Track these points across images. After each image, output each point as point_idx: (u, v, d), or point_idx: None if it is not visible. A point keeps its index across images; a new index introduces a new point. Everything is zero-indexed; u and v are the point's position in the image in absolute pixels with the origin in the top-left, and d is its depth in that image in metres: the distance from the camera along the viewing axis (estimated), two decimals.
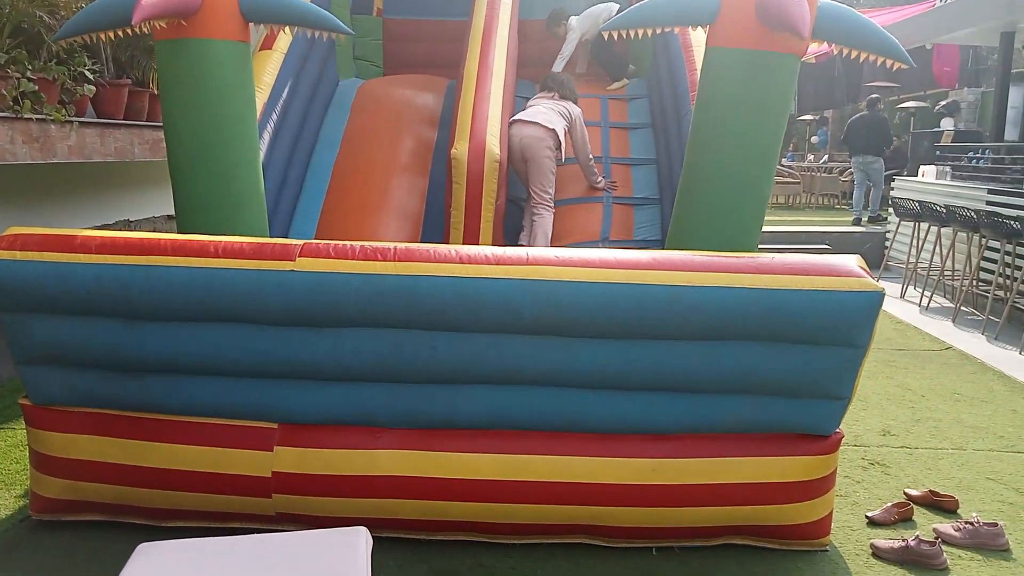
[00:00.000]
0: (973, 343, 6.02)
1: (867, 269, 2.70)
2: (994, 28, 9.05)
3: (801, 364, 2.64)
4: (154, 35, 3.31)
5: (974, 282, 6.94)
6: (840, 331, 2.60)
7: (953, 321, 6.70)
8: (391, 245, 2.59)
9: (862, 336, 2.63)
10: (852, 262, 2.70)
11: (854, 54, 3.26)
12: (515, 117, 4.88)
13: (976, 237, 6.76)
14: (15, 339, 2.65)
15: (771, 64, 3.22)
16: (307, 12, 3.42)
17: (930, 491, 3.34)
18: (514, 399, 2.68)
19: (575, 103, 5.04)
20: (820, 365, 2.66)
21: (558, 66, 5.77)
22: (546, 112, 4.82)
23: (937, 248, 7.47)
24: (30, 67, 4.28)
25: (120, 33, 3.31)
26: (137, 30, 3.11)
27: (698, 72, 4.07)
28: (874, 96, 11.21)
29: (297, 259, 2.54)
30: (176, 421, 2.73)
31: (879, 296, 2.61)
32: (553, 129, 4.75)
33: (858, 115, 11.03)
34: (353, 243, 2.61)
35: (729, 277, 2.58)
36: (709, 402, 2.70)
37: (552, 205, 4.84)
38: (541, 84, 5.15)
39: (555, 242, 4.91)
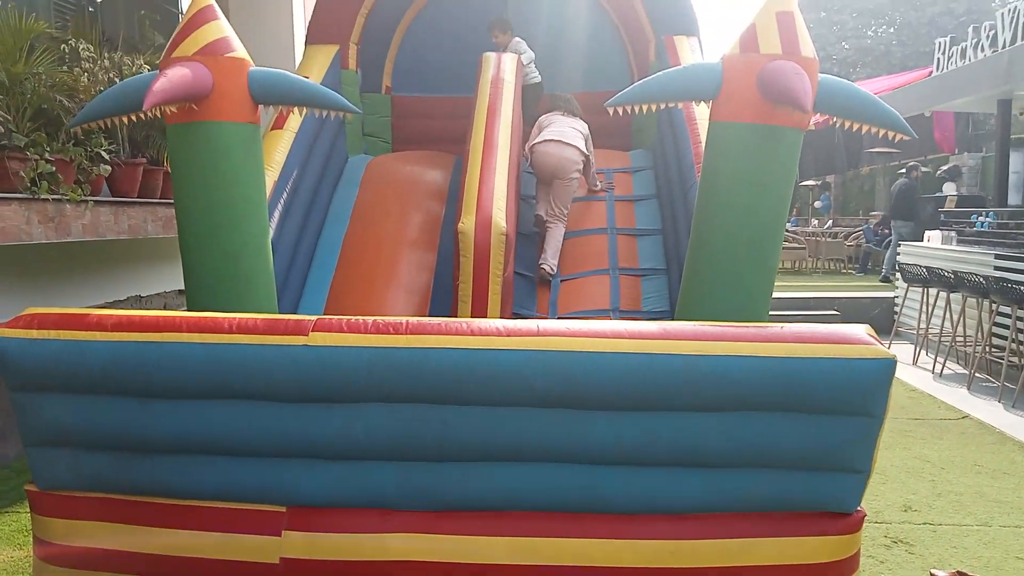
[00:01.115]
0: (990, 411, 5.93)
1: (877, 337, 2.68)
2: (992, 96, 9.23)
3: (817, 435, 2.60)
4: (165, 119, 3.40)
5: (987, 348, 6.88)
6: (854, 400, 2.57)
7: (968, 388, 6.62)
8: (403, 319, 2.60)
9: (877, 405, 2.59)
10: (861, 330, 2.68)
11: (855, 126, 3.31)
12: (546, 137, 5.26)
13: (986, 303, 6.73)
14: (27, 420, 2.64)
15: (774, 137, 3.26)
16: (316, 93, 3.52)
17: (958, 572, 3.23)
18: (527, 476, 2.63)
19: (581, 118, 5.42)
20: (836, 436, 2.61)
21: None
22: (570, 131, 5.26)
23: (947, 314, 7.44)
24: (48, 149, 4.39)
25: (133, 117, 3.41)
26: (150, 114, 3.19)
27: (702, 145, 4.14)
28: (911, 163, 11.67)
29: (310, 334, 2.55)
30: (182, 506, 2.68)
31: (891, 364, 2.59)
32: (580, 149, 5.24)
33: (898, 181, 11.57)
34: (365, 317, 2.62)
35: (741, 346, 2.56)
36: (727, 477, 2.64)
37: (565, 220, 5.29)
38: (549, 104, 5.50)
39: (563, 312, 4.92)
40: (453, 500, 2.67)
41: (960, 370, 7.29)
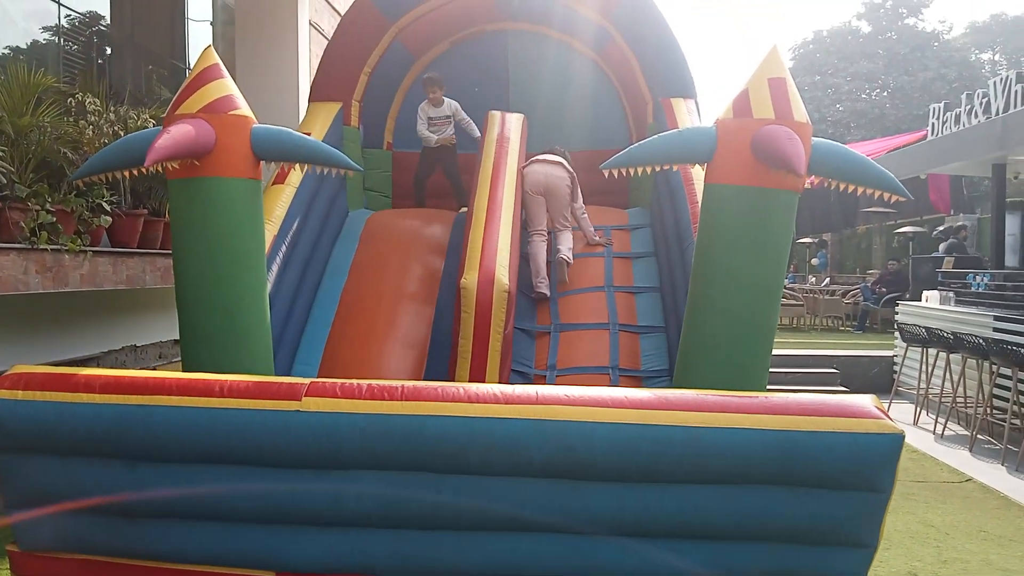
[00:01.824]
0: (993, 475, 5.85)
1: (884, 410, 2.64)
2: (986, 160, 9.35)
3: (822, 510, 2.54)
4: (166, 174, 3.41)
5: (988, 410, 6.82)
6: (860, 475, 2.51)
7: (970, 450, 6.54)
8: (399, 384, 2.55)
9: (884, 480, 2.53)
10: (868, 402, 2.64)
11: (851, 188, 3.33)
12: (536, 158, 5.53)
13: (986, 364, 6.70)
14: (11, 481, 2.58)
15: (769, 200, 3.28)
16: (318, 150, 3.54)
17: None
18: (524, 547, 2.56)
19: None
20: (842, 511, 2.55)
21: (428, 133, 5.97)
22: (552, 156, 5.56)
23: (947, 374, 7.39)
24: (50, 199, 4.39)
25: (135, 172, 3.42)
26: (152, 169, 3.20)
27: (700, 205, 4.16)
28: (960, 223, 11.67)
29: (303, 398, 2.50)
30: (168, 569, 2.60)
31: (899, 439, 2.54)
32: (565, 166, 5.51)
33: (946, 242, 11.59)
34: (360, 381, 2.57)
35: (744, 418, 2.52)
36: (730, 551, 2.57)
37: (570, 228, 5.52)
38: (545, 150, 5.69)
39: (563, 368, 4.87)
40: (447, 570, 2.59)
41: (961, 431, 7.21)
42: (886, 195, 3.30)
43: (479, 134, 5.84)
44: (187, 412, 2.46)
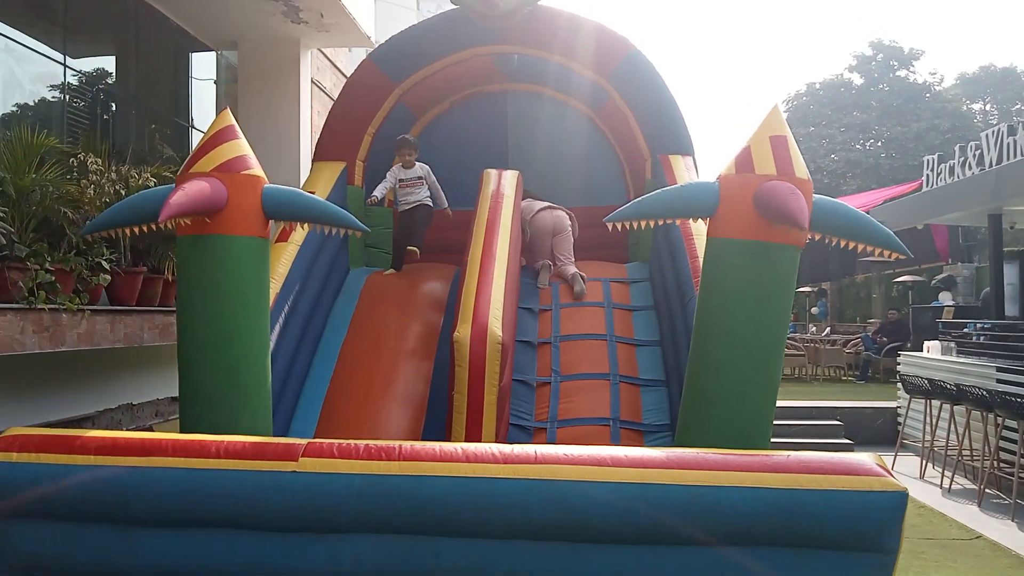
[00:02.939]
0: (1004, 531, 5.73)
1: (886, 467, 2.60)
2: (981, 211, 9.42)
3: (828, 572, 2.48)
4: (176, 231, 3.43)
5: (995, 463, 6.73)
6: (865, 535, 2.47)
7: (979, 505, 6.42)
8: (396, 444, 2.53)
9: (890, 540, 2.49)
10: (871, 460, 2.61)
11: (851, 244, 3.36)
12: (539, 208, 5.99)
13: (991, 416, 6.63)
14: (4, 547, 2.52)
15: (772, 254, 3.30)
16: (326, 211, 3.58)
17: None
18: None
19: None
20: (848, 572, 2.49)
21: (380, 191, 5.79)
22: (562, 207, 6.08)
23: (952, 426, 7.32)
24: (49, 259, 4.40)
25: (145, 229, 3.44)
26: (162, 226, 3.23)
27: (700, 260, 4.17)
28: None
29: (300, 459, 2.47)
30: None
31: (903, 497, 2.50)
32: (565, 211, 6.06)
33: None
34: (357, 441, 2.55)
35: (746, 476, 2.49)
36: None
37: (573, 260, 5.90)
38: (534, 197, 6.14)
39: (563, 419, 4.82)
40: None
41: (969, 485, 7.10)
42: (885, 252, 3.33)
43: (446, 205, 5.94)
44: (183, 474, 2.43)
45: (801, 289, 22.89)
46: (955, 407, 7.25)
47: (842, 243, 3.38)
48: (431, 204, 5.92)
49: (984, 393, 6.55)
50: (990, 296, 10.88)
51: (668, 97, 6.24)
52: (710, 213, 3.44)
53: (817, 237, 3.48)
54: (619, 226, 3.44)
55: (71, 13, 6.50)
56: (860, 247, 3.36)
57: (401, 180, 5.85)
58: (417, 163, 5.90)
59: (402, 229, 5.95)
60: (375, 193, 5.78)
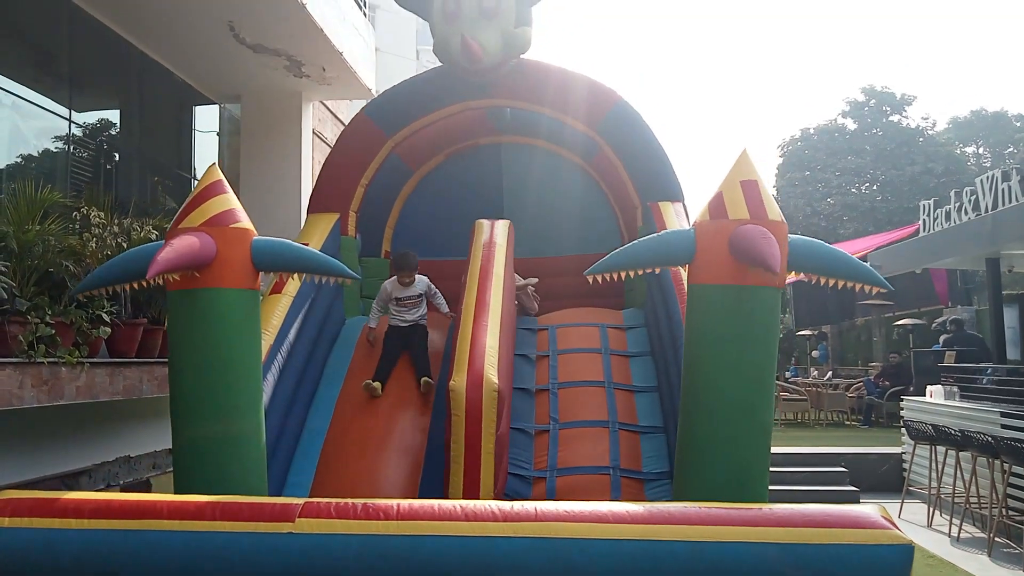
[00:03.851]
0: None
1: (891, 519, 2.57)
2: (979, 255, 9.46)
3: None
4: (167, 286, 3.45)
5: (1004, 511, 6.63)
6: None
7: (989, 555, 6.32)
8: (394, 503, 2.50)
9: None
10: (875, 513, 2.58)
11: (831, 282, 3.41)
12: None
13: (998, 463, 6.56)
14: None
15: (751, 297, 3.35)
16: (316, 261, 3.60)
17: None
18: None
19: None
20: None
21: (374, 320, 5.56)
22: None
23: (958, 472, 7.23)
24: (50, 312, 4.40)
25: (136, 285, 3.46)
26: (152, 282, 3.24)
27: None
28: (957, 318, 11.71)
29: (296, 520, 2.44)
30: None
31: (910, 550, 2.47)
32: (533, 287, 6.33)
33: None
34: (355, 501, 2.52)
35: (749, 531, 2.46)
36: None
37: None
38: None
39: (563, 467, 4.77)
40: None
41: (978, 533, 6.98)
42: (867, 287, 3.39)
43: (447, 310, 5.62)
44: (179, 537, 2.40)
45: (801, 332, 22.85)
46: (961, 453, 7.17)
47: (823, 280, 3.44)
48: (425, 323, 5.48)
49: (989, 439, 6.48)
50: (953, 340, 10.87)
51: (656, 146, 6.34)
52: (688, 260, 3.51)
53: (800, 277, 3.54)
54: (599, 278, 3.51)
55: (77, 67, 6.63)
56: (843, 284, 3.42)
57: (397, 299, 5.39)
58: (417, 276, 5.44)
59: (394, 343, 5.34)
60: (369, 323, 5.49)
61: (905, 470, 8.74)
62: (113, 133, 7.33)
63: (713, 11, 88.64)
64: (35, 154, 6.25)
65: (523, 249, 6.30)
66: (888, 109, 30.10)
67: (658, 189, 6.19)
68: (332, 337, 5.61)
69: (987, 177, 9.24)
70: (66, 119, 6.43)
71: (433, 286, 5.59)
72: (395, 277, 5.47)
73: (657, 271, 4.32)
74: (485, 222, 5.70)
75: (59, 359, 4.42)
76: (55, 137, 6.42)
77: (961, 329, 11.52)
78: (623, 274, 3.49)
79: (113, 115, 7.42)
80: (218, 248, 3.43)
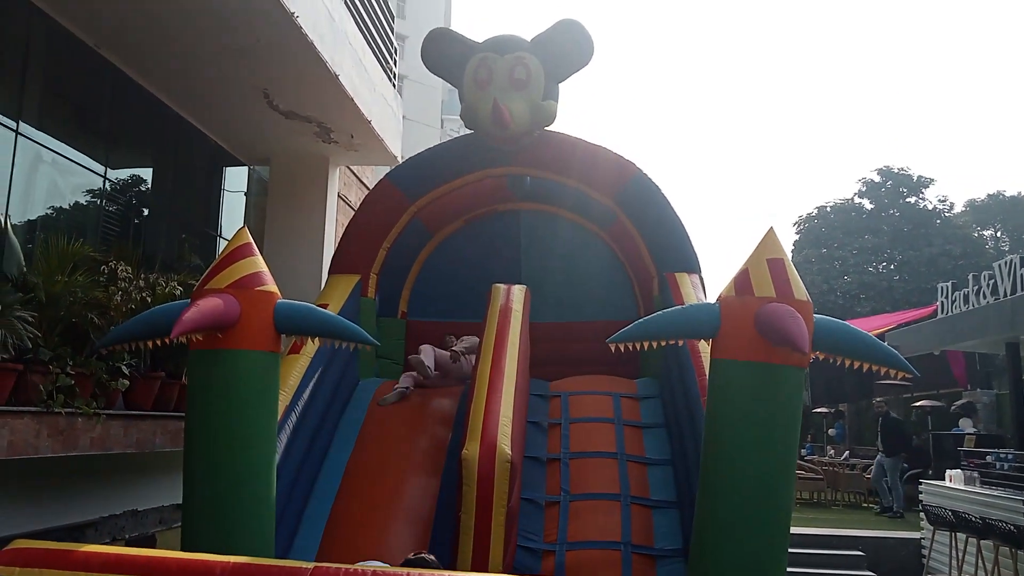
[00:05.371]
0: None
1: None
2: (999, 339, 9.38)
3: None
4: (189, 345, 3.50)
5: None
6: None
7: None
8: (404, 571, 2.48)
9: None
10: None
11: (856, 364, 3.38)
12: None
13: (1021, 554, 6.37)
14: None
15: (775, 375, 3.33)
16: (338, 326, 3.65)
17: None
18: None
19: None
20: None
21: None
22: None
23: (980, 561, 7.02)
24: (71, 362, 4.47)
25: (159, 343, 3.52)
26: (175, 341, 3.30)
27: (707, 376, 4.18)
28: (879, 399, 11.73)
29: None
30: None
31: None
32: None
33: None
34: (364, 567, 2.50)
35: None
36: None
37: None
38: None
39: (573, 541, 4.68)
40: None
41: None
42: (893, 372, 3.36)
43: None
44: None
45: (818, 409, 22.47)
46: (982, 541, 6.97)
47: (847, 362, 3.42)
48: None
49: (1012, 529, 6.31)
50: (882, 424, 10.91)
51: (673, 217, 6.43)
52: (712, 334, 3.51)
53: (822, 356, 3.52)
54: (621, 346, 3.52)
55: (115, 126, 6.87)
56: (867, 367, 3.39)
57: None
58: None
59: None
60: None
61: (924, 557, 8.48)
62: (144, 189, 7.54)
63: (732, 86, 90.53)
64: (68, 207, 6.43)
65: (539, 314, 6.34)
66: (905, 191, 30.26)
67: (674, 260, 6.25)
68: (346, 398, 5.63)
69: (1006, 262, 9.24)
70: (101, 175, 6.63)
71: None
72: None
73: (680, 343, 4.34)
74: (502, 286, 5.77)
75: (76, 409, 4.47)
76: (89, 191, 6.61)
77: (888, 415, 11.57)
78: (644, 344, 3.51)
79: (146, 172, 7.64)
80: (242, 310, 3.49)
